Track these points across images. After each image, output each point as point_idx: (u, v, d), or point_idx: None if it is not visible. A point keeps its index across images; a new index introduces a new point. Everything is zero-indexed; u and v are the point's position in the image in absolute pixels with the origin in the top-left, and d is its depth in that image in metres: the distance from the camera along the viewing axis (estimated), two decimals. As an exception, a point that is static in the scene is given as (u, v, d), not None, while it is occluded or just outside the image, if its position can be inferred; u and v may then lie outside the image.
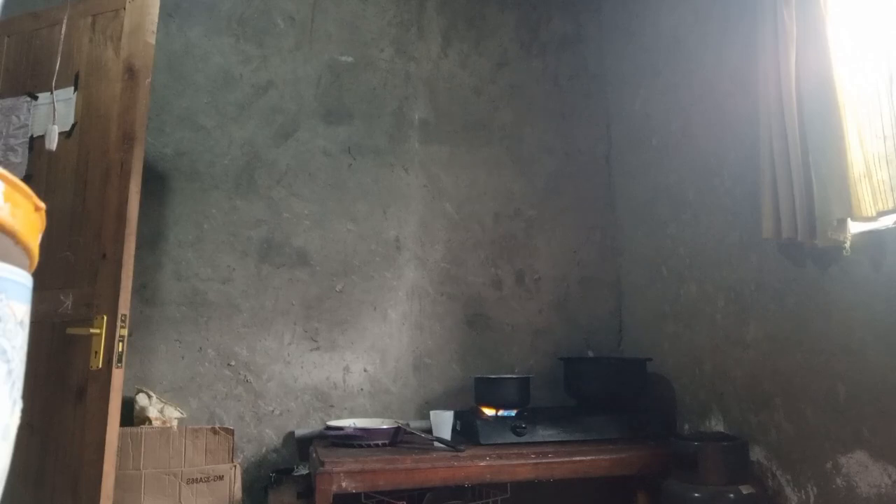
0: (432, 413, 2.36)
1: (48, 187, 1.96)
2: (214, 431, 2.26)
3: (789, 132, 1.91)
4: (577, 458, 2.19)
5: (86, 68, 2.02)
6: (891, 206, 1.70)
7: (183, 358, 2.62)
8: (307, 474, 2.40)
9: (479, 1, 3.22)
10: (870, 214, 1.73)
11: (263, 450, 2.64)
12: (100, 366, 1.74)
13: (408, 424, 2.47)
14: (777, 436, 2.09)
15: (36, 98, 2.04)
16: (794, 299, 2.03)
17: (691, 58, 2.61)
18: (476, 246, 2.99)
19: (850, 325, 1.82)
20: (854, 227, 1.80)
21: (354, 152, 2.95)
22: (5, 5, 1.97)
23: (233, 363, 2.67)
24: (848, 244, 1.80)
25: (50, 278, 1.85)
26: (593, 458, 2.21)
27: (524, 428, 2.33)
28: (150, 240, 2.62)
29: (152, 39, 1.97)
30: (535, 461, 2.14)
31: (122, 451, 2.03)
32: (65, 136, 1.98)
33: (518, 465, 2.12)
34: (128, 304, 1.82)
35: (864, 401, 1.78)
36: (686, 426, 2.54)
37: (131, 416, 2.33)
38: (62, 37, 1.99)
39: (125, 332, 1.79)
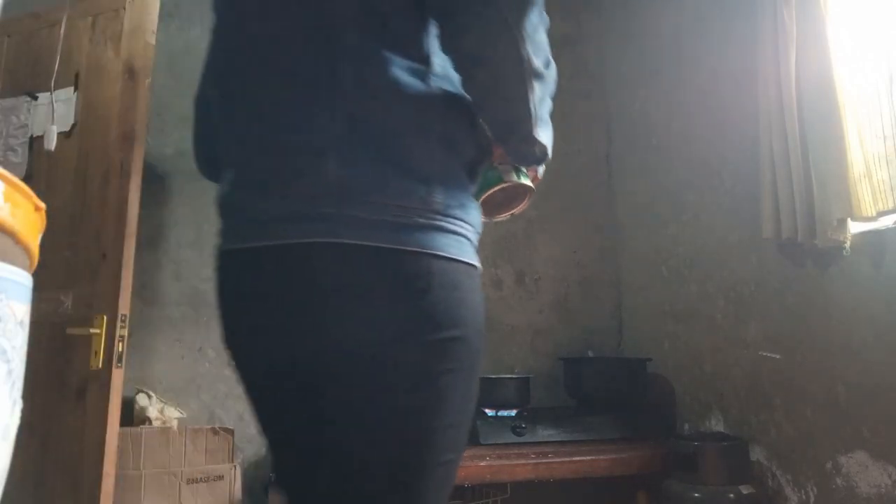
0: (432, 413, 2.36)
1: (48, 187, 1.95)
2: (214, 431, 2.25)
3: (789, 132, 1.91)
4: (577, 458, 2.19)
5: (86, 68, 2.02)
6: (891, 206, 1.70)
7: (183, 358, 2.62)
8: (307, 474, 2.40)
9: (479, 1, 3.21)
10: (870, 214, 1.73)
11: (263, 450, 2.64)
12: (100, 366, 1.74)
13: (408, 424, 2.46)
14: (777, 436, 2.09)
15: (36, 98, 2.03)
16: (794, 299, 2.03)
17: (691, 58, 2.61)
18: (476, 246, 2.99)
19: (850, 325, 1.82)
20: (854, 227, 1.80)
21: (354, 152, 2.95)
22: (5, 5, 1.97)
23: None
24: (848, 244, 1.80)
25: (50, 278, 1.85)
26: (593, 458, 2.21)
27: (524, 428, 2.33)
28: (150, 240, 2.62)
29: (152, 39, 1.97)
30: (535, 461, 2.14)
31: (122, 451, 2.03)
32: (64, 136, 1.98)
33: (518, 465, 2.12)
34: (128, 304, 1.82)
35: (864, 401, 1.78)
36: (686, 426, 2.54)
37: (131, 416, 2.33)
38: (62, 37, 1.99)
39: (125, 332, 1.79)
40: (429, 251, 0.73)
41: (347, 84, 0.73)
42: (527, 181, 0.98)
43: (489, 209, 0.97)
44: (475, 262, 0.81)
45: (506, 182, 0.94)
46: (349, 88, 0.73)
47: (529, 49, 0.77)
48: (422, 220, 0.73)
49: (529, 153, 0.87)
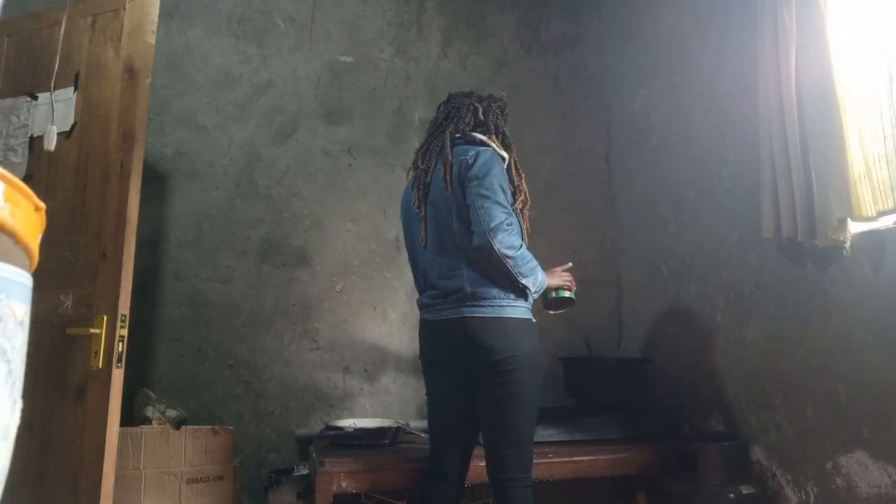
0: (432, 413, 2.35)
1: (48, 187, 1.95)
2: (214, 431, 2.25)
3: (789, 132, 1.91)
4: (577, 458, 2.19)
5: (86, 68, 2.02)
6: (891, 206, 1.70)
7: (183, 358, 2.62)
8: (307, 474, 2.40)
9: (479, 1, 3.22)
10: (870, 214, 1.73)
11: (263, 450, 2.64)
12: (100, 366, 1.74)
13: (408, 424, 2.47)
14: (777, 436, 2.09)
15: (36, 98, 2.03)
16: (794, 299, 2.03)
17: (691, 58, 2.61)
18: (476, 246, 2.99)
19: (850, 325, 1.82)
20: (854, 227, 1.80)
21: (354, 152, 2.95)
22: (5, 5, 1.97)
23: (233, 363, 2.67)
24: (848, 244, 1.80)
25: (50, 278, 1.85)
26: (593, 458, 2.21)
27: (524, 428, 2.32)
28: (150, 240, 2.62)
29: (152, 39, 1.97)
30: (535, 461, 2.13)
31: (122, 451, 2.03)
32: (65, 136, 1.98)
33: (518, 465, 2.11)
34: (128, 304, 1.81)
35: (864, 401, 1.78)
36: (686, 426, 2.54)
37: (131, 416, 2.33)
38: (62, 37, 1.99)
39: (125, 332, 1.79)
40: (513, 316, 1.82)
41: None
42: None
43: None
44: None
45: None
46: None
47: (501, 247, 1.73)
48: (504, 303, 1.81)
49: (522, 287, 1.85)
